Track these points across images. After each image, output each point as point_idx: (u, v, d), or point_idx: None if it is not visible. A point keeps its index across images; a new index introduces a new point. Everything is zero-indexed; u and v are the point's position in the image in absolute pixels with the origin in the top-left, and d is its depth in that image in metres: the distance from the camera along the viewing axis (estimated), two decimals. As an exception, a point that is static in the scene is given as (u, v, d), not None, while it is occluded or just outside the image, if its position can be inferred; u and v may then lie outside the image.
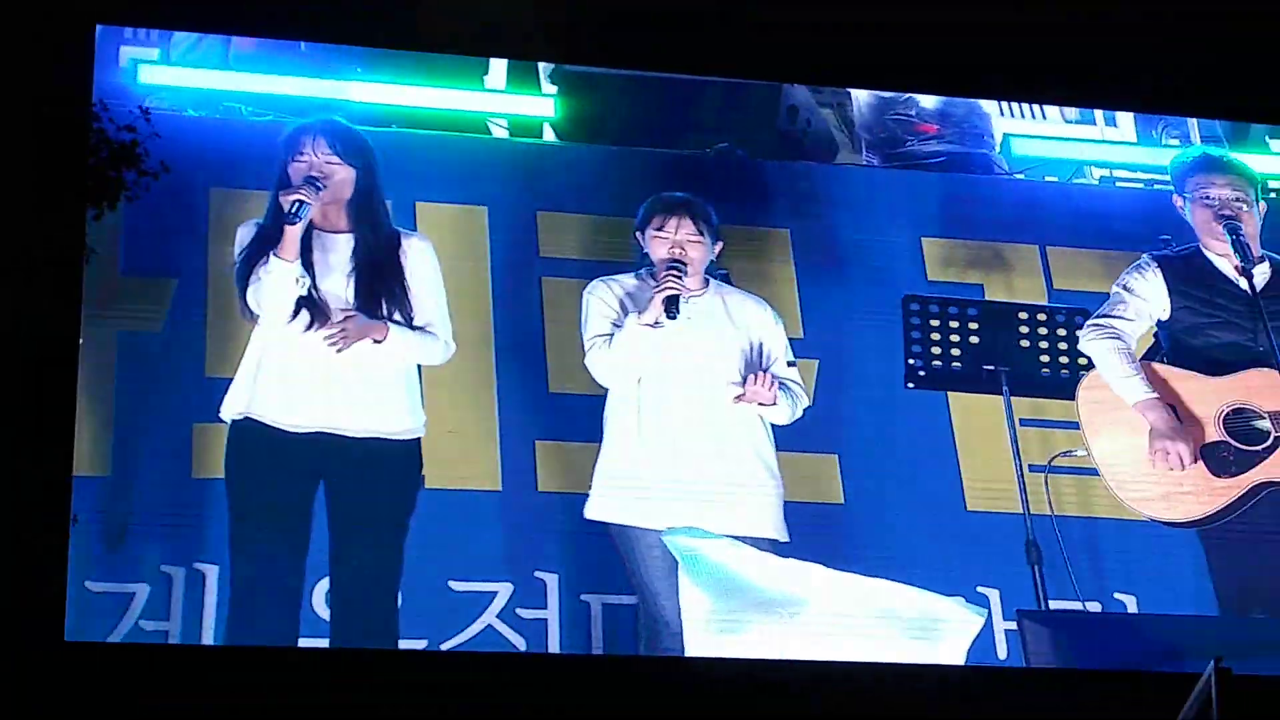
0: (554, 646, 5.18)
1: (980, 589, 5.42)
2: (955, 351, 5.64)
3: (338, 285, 5.23)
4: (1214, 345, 5.62)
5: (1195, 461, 5.47)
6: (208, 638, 4.99)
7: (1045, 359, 5.68)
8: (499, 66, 5.87)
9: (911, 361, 5.62)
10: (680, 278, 5.29)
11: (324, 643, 5.05)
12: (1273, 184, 6.16)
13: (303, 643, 5.03)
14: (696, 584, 5.16)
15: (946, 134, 6.13)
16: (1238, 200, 5.73)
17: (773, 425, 5.38)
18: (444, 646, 5.12)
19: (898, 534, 5.46)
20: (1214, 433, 5.52)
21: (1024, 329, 5.70)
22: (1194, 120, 6.33)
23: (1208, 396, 5.55)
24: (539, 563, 5.23)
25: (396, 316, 5.24)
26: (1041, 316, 5.73)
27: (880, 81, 6.06)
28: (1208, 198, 5.74)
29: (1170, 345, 5.68)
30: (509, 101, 5.87)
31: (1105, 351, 5.59)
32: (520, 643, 5.17)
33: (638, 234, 5.46)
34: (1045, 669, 5.31)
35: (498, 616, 5.18)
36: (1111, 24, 5.84)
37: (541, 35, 5.66)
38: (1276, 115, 6.20)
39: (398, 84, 5.69)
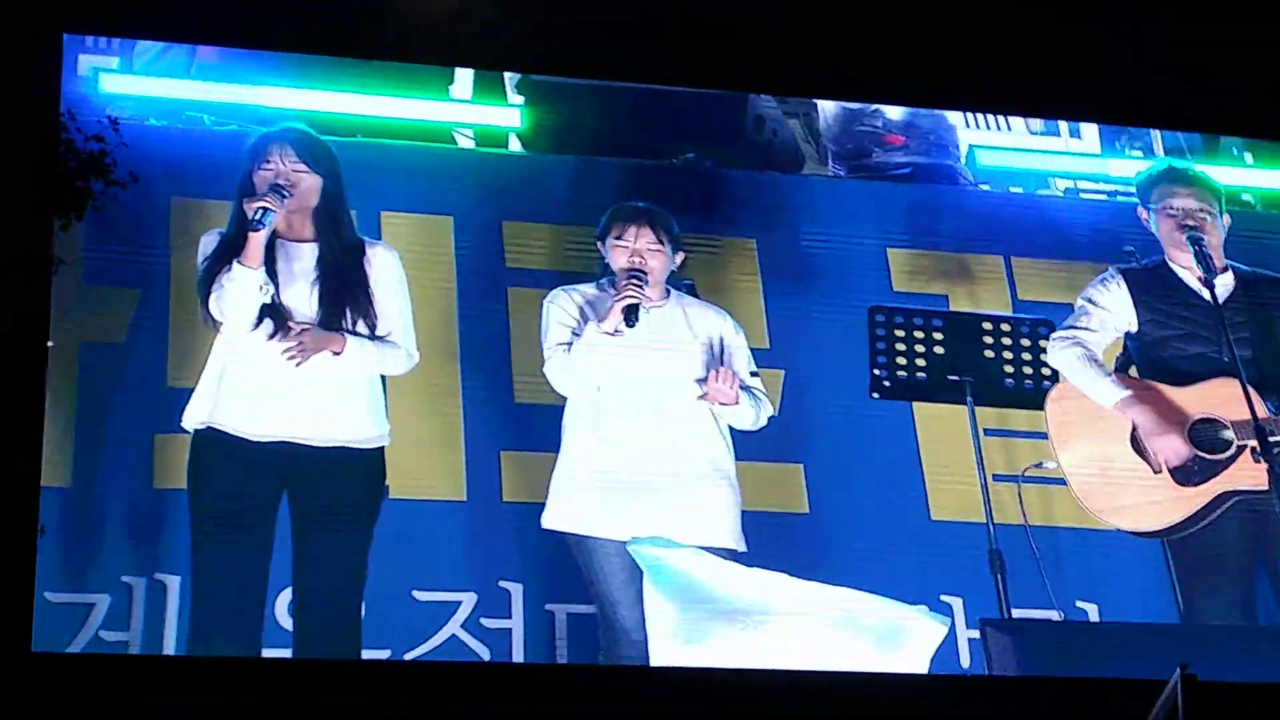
0: (518, 656, 5.10)
1: (944, 598, 5.38)
2: (920, 362, 5.59)
3: (301, 294, 5.11)
4: (1180, 357, 5.56)
5: (1190, 450, 5.41)
6: (169, 648, 4.89)
7: (1009, 369, 5.63)
8: (465, 76, 5.77)
9: (877, 372, 5.57)
10: (641, 287, 5.20)
11: (287, 653, 4.95)
12: (1245, 196, 6.14)
13: (265, 653, 4.92)
14: (661, 593, 5.07)
15: (912, 145, 6.08)
16: (1201, 211, 5.68)
17: (737, 435, 5.28)
18: (408, 656, 5.03)
19: (862, 543, 5.40)
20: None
21: (988, 339, 5.65)
22: (1157, 132, 6.27)
23: (1175, 408, 5.50)
24: (503, 572, 5.16)
25: (360, 326, 5.13)
26: (1006, 327, 5.68)
27: (847, 92, 5.99)
28: (1171, 208, 5.69)
29: (1139, 357, 5.63)
30: (474, 111, 5.78)
31: (1072, 360, 5.54)
32: (485, 652, 5.09)
33: (599, 244, 5.37)
34: (1008, 677, 5.24)
35: (462, 626, 5.09)
36: (1080, 36, 5.81)
37: (507, 45, 5.57)
38: (1246, 127, 6.17)
39: (363, 94, 5.58)
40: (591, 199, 5.53)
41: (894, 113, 6.10)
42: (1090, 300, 5.63)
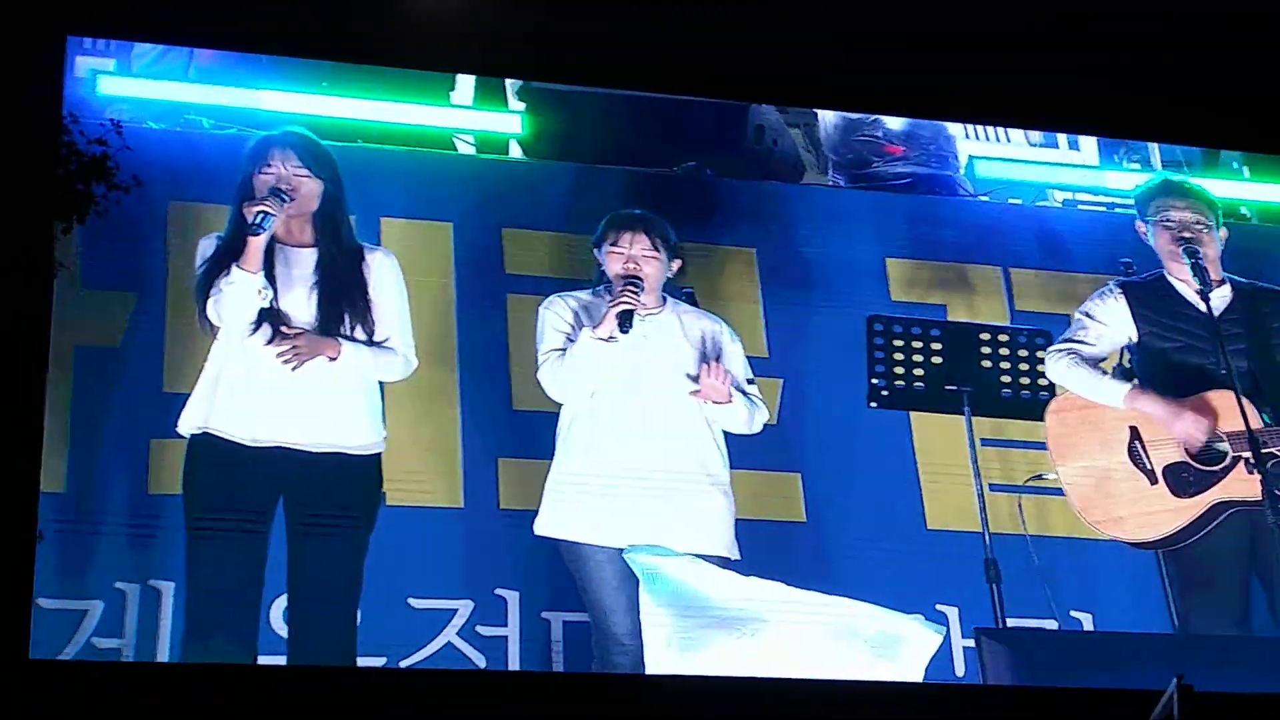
0: (514, 664, 5.02)
1: (939, 607, 5.32)
2: (918, 372, 5.51)
3: (300, 299, 4.99)
4: (1178, 369, 5.48)
5: (1214, 425, 5.35)
6: (163, 655, 4.78)
7: (1006, 379, 5.56)
8: (466, 82, 5.70)
9: (875, 381, 5.49)
10: (637, 293, 5.09)
11: (282, 660, 4.84)
12: (1242, 209, 6.12)
13: (261, 660, 4.81)
14: (657, 601, 4.95)
15: (912, 156, 6.05)
16: (1197, 223, 5.58)
17: (734, 444, 5.17)
18: (403, 664, 4.94)
19: (859, 552, 5.35)
20: (1175, 453, 5.40)
21: (986, 350, 5.58)
22: (1155, 145, 6.26)
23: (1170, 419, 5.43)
24: (500, 580, 5.07)
25: (358, 332, 5.01)
26: (1003, 337, 5.61)
27: (847, 102, 5.94)
28: (1168, 220, 5.60)
29: (1140, 370, 5.55)
30: (475, 117, 5.70)
31: (1069, 367, 5.47)
32: (480, 660, 5.01)
33: (595, 250, 5.26)
34: (1002, 686, 5.13)
35: (458, 634, 5.01)
36: (1079, 49, 5.74)
37: (509, 51, 5.50)
38: (1243, 141, 6.13)
39: (363, 99, 5.50)
40: (592, 206, 5.42)
41: (894, 123, 6.07)
42: (1088, 314, 5.56)
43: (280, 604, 4.88)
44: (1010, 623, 5.27)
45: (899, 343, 5.51)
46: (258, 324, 4.92)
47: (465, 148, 5.67)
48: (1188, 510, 5.33)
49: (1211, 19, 5.77)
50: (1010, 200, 6.09)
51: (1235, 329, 5.49)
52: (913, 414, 5.54)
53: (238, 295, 4.89)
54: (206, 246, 5.00)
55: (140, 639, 4.78)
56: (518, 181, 5.63)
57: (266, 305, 4.93)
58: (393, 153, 5.47)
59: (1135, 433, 5.42)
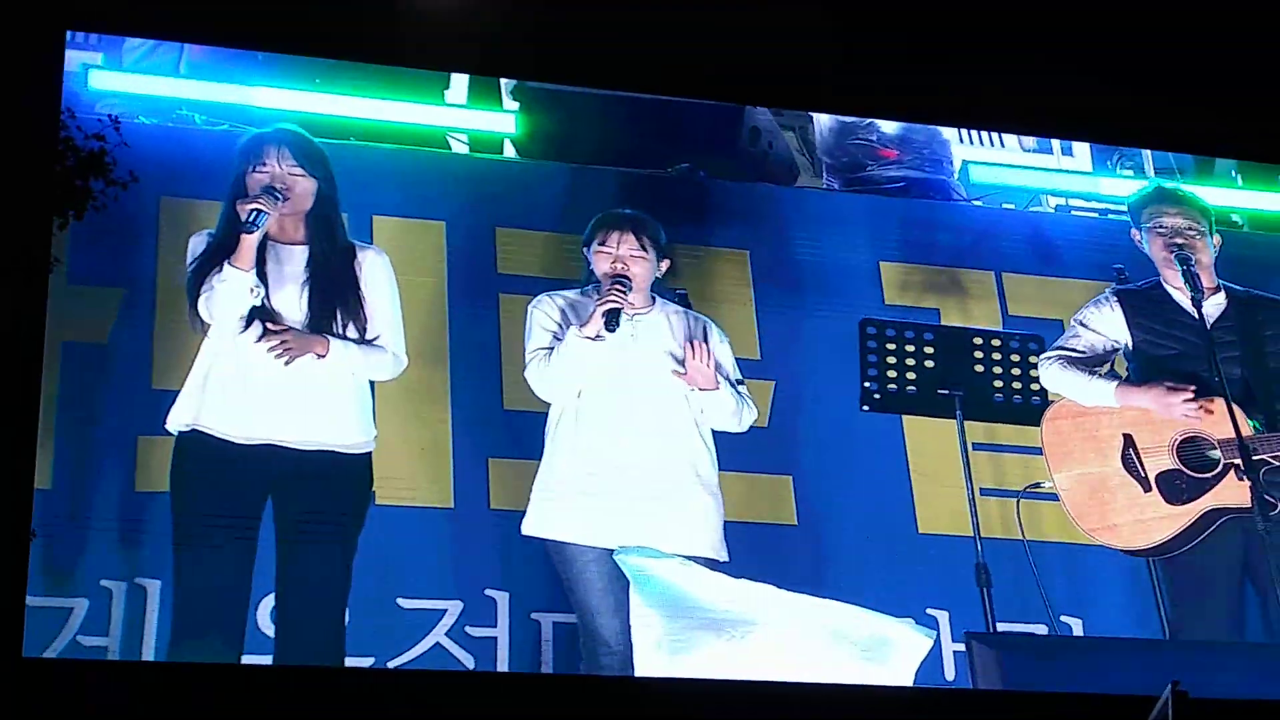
0: (503, 665, 4.90)
1: (930, 611, 5.23)
2: (910, 375, 5.41)
3: (291, 297, 4.85)
4: (1171, 376, 5.39)
5: (1211, 400, 5.27)
6: (148, 654, 4.64)
7: (999, 384, 5.46)
8: (460, 81, 5.60)
9: (867, 384, 5.38)
10: (625, 292, 4.97)
11: (268, 660, 4.71)
12: (1234, 217, 6.04)
13: (246, 659, 4.67)
14: (646, 603, 4.82)
15: (906, 160, 5.95)
16: (1190, 230, 5.50)
17: (724, 445, 5.05)
18: (391, 664, 4.81)
19: (850, 555, 5.26)
20: (1168, 461, 5.33)
21: (978, 354, 5.48)
22: (1148, 151, 6.19)
23: (1162, 425, 5.35)
24: (489, 580, 4.95)
25: (350, 330, 4.88)
26: (996, 342, 5.51)
27: (842, 106, 5.85)
28: (1161, 227, 5.52)
29: (1135, 377, 5.47)
30: (470, 117, 5.60)
31: (1060, 371, 5.40)
32: (469, 661, 4.88)
33: (584, 249, 5.15)
34: (992, 690, 5.01)
35: (447, 634, 4.88)
36: (1074, 55, 5.68)
37: (504, 50, 5.40)
38: (1235, 149, 6.06)
39: (357, 96, 5.37)
40: (585, 206, 5.31)
41: (889, 127, 5.98)
42: (1082, 323, 5.50)
43: (267, 603, 4.76)
44: (1000, 627, 5.19)
45: (892, 346, 5.42)
46: (249, 322, 4.80)
47: (459, 147, 5.57)
48: (1181, 517, 5.27)
49: (1207, 27, 5.72)
50: (1004, 205, 6.03)
51: (1229, 336, 5.42)
52: (905, 418, 5.45)
53: (229, 293, 4.76)
54: (198, 243, 4.87)
55: (126, 637, 4.65)
56: (511, 181, 5.52)
57: (258, 303, 4.81)
58: (386, 151, 5.36)
59: (1129, 440, 5.35)
